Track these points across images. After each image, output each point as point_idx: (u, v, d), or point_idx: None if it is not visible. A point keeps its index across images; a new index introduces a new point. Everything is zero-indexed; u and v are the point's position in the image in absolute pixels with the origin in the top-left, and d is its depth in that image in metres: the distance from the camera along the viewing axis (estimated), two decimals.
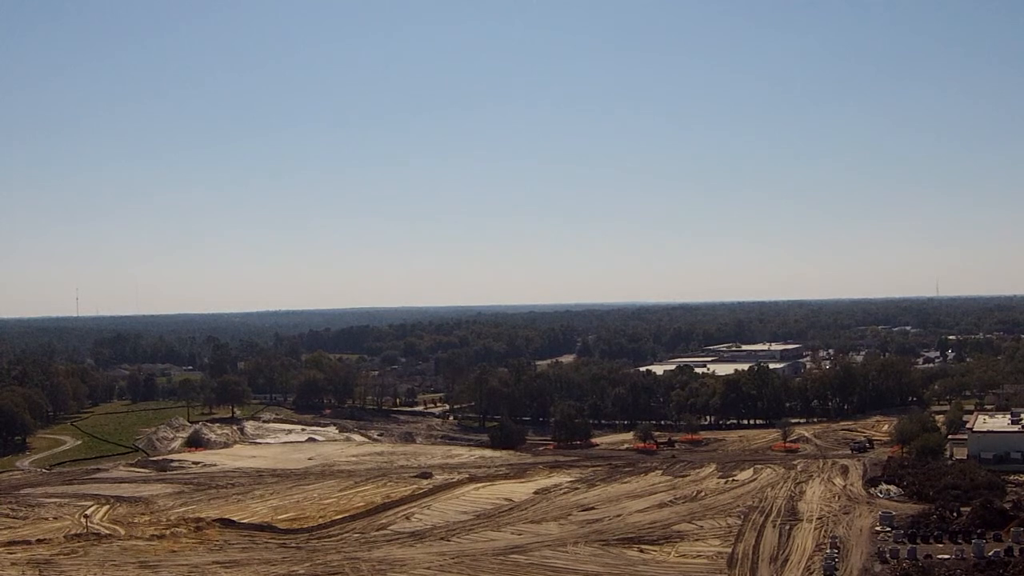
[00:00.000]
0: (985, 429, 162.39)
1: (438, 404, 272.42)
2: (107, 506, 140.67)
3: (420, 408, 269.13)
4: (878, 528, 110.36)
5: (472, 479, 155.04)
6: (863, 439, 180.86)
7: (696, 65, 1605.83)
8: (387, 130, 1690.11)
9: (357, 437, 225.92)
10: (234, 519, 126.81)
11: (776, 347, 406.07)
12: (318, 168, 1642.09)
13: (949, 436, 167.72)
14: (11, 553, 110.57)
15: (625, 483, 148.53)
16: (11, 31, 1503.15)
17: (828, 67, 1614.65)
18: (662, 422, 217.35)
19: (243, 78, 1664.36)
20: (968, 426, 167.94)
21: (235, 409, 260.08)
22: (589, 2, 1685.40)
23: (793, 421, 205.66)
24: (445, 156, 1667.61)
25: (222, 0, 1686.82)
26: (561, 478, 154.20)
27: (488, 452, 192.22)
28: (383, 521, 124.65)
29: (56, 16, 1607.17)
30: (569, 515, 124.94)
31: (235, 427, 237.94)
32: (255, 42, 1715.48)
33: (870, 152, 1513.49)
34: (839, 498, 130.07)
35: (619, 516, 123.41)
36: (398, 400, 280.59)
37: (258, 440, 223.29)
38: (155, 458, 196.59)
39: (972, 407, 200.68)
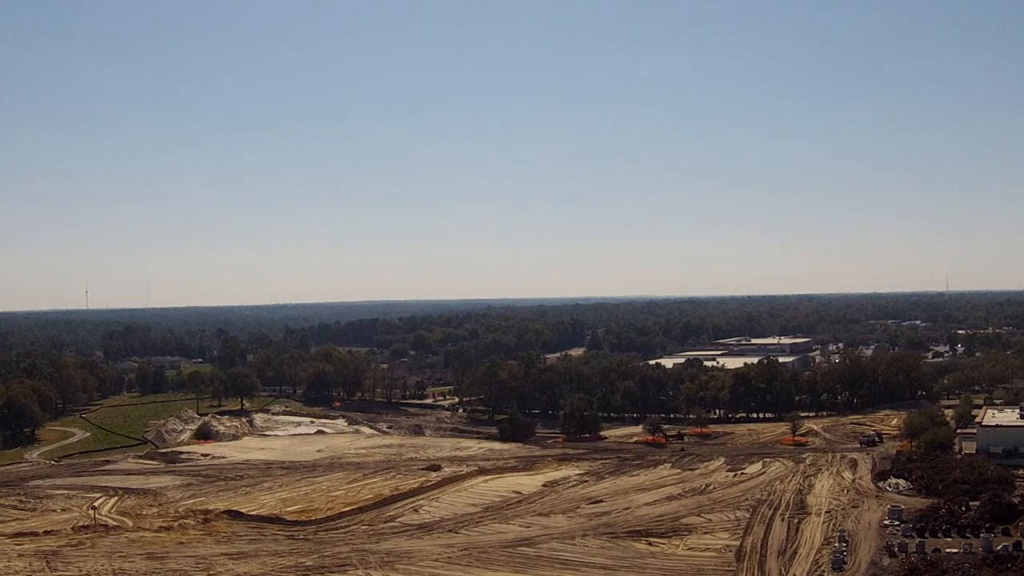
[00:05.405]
0: (994, 423, 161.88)
1: (447, 397, 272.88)
2: (115, 498, 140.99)
3: (429, 401, 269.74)
4: (886, 522, 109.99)
5: (481, 472, 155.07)
6: (872, 433, 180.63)
7: (705, 61, 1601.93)
8: (397, 124, 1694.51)
9: (366, 430, 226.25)
10: (242, 511, 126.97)
11: (785, 341, 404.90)
12: (328, 162, 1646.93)
13: (958, 430, 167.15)
14: (19, 544, 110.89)
15: (634, 476, 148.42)
16: (18, 29, 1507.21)
17: (838, 62, 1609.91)
18: (671, 415, 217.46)
19: (254, 73, 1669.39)
20: (977, 420, 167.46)
21: (244, 402, 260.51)
22: (595, 2, 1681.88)
23: (802, 415, 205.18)
24: (455, 151, 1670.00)
25: None
26: (570, 471, 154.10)
27: (497, 445, 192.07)
28: (391, 513, 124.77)
29: (65, 14, 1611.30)
30: (578, 508, 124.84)
31: (244, 419, 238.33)
32: (264, 38, 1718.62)
33: (880, 147, 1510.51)
34: (848, 492, 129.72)
35: (627, 509, 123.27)
36: (407, 393, 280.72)
37: (267, 432, 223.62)
38: (164, 450, 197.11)
39: (981, 402, 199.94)
